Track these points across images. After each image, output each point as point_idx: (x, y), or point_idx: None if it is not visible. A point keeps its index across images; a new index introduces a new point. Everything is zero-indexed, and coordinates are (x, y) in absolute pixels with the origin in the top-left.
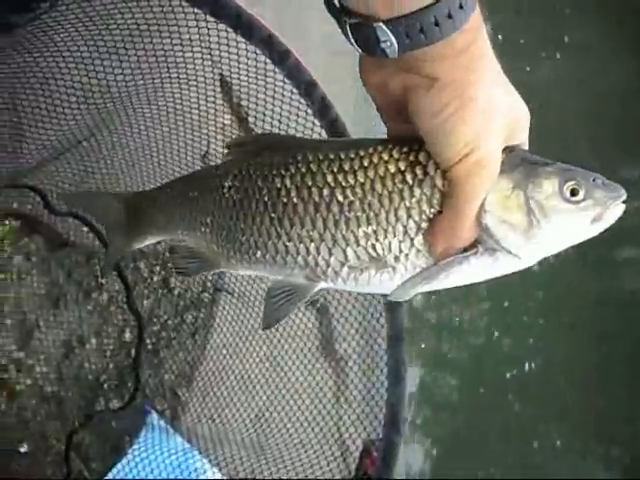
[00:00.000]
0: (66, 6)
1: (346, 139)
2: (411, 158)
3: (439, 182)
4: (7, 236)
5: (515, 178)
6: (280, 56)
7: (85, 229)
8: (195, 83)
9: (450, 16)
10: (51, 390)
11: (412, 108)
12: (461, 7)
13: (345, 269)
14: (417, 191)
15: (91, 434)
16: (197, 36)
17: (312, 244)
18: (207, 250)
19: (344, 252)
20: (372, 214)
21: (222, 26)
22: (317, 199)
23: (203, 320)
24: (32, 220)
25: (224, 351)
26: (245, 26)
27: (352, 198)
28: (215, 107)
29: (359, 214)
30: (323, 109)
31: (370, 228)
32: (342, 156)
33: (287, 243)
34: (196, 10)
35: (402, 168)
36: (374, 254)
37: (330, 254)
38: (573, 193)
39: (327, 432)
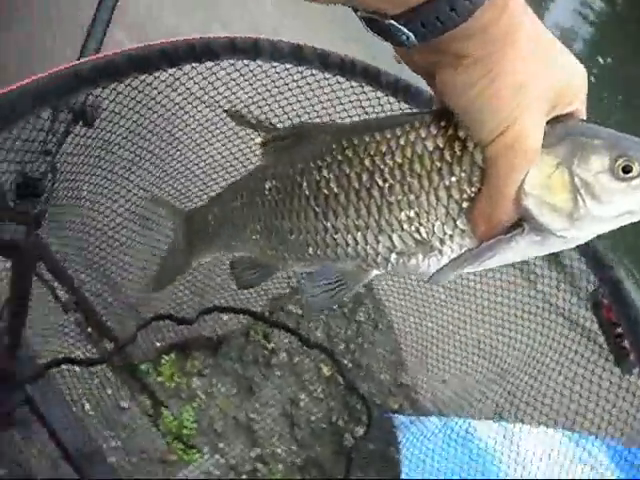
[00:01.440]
0: None
1: (382, 117)
2: (449, 133)
3: (479, 158)
4: (173, 371)
5: (559, 153)
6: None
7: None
8: (206, 132)
9: None
10: (303, 459)
11: (440, 85)
12: None
13: (394, 255)
14: (456, 169)
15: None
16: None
17: (359, 233)
18: (262, 255)
19: (390, 238)
20: (413, 197)
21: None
22: (357, 186)
23: (373, 308)
24: (180, 344)
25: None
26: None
27: (392, 181)
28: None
29: (400, 197)
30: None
31: (412, 211)
32: (378, 137)
33: (335, 235)
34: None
35: (440, 145)
36: (419, 238)
37: (377, 241)
38: (625, 170)
39: None
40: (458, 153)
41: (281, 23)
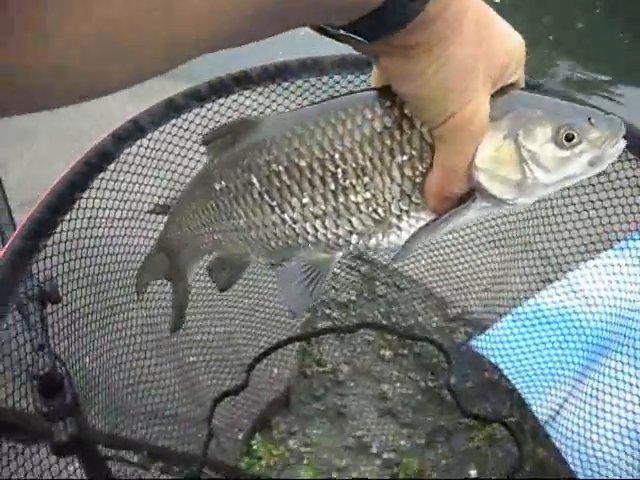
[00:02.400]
0: None
1: (321, 103)
2: (396, 112)
3: (428, 135)
4: (268, 447)
5: (504, 127)
6: None
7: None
8: None
9: None
10: (424, 435)
11: (387, 71)
12: None
13: (354, 237)
14: (407, 148)
15: None
16: None
17: (317, 221)
18: (227, 254)
19: (349, 222)
20: (367, 179)
21: None
22: (310, 175)
23: (386, 276)
24: (257, 422)
25: None
26: None
27: (344, 166)
28: None
29: (354, 181)
30: None
31: (368, 193)
32: (322, 124)
33: (294, 226)
34: None
35: (388, 125)
36: (378, 217)
37: (337, 226)
38: (567, 138)
39: None
40: (407, 132)
41: None
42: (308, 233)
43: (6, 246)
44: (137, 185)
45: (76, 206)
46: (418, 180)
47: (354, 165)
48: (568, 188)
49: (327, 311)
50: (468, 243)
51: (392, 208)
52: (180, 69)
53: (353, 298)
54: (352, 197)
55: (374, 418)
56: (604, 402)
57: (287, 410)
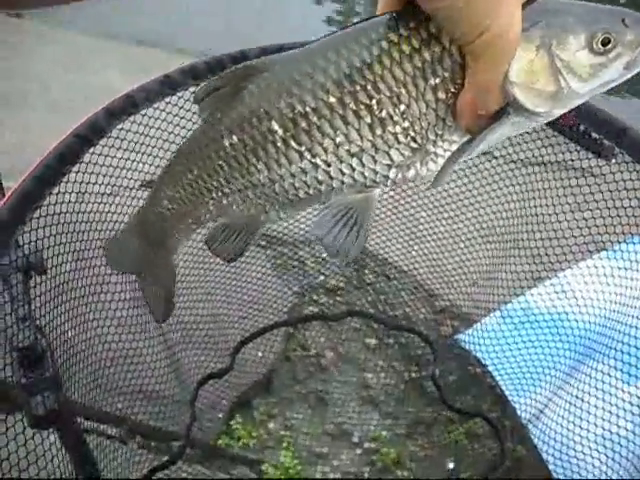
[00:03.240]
0: None
1: (335, 33)
2: (422, 33)
3: (457, 55)
4: (248, 428)
5: (536, 37)
6: None
7: (260, 353)
8: None
9: None
10: (404, 426)
11: None
12: None
13: (393, 170)
14: (438, 68)
15: None
16: None
17: (354, 159)
18: (239, 217)
19: (388, 154)
20: (404, 107)
21: None
22: (342, 111)
23: (376, 265)
24: (238, 402)
25: None
26: None
27: (378, 96)
28: None
29: (391, 110)
30: None
31: (406, 122)
32: (346, 54)
33: (328, 169)
34: None
35: (417, 46)
36: (416, 146)
37: (375, 161)
38: (603, 43)
39: None
40: (437, 52)
41: None
42: (344, 174)
43: None
44: (128, 162)
45: (65, 179)
46: (450, 102)
47: (388, 94)
48: (563, 187)
49: (315, 297)
50: (460, 237)
51: (429, 134)
52: (178, 48)
53: (341, 285)
54: (390, 128)
55: (356, 406)
56: (589, 404)
57: (268, 393)
